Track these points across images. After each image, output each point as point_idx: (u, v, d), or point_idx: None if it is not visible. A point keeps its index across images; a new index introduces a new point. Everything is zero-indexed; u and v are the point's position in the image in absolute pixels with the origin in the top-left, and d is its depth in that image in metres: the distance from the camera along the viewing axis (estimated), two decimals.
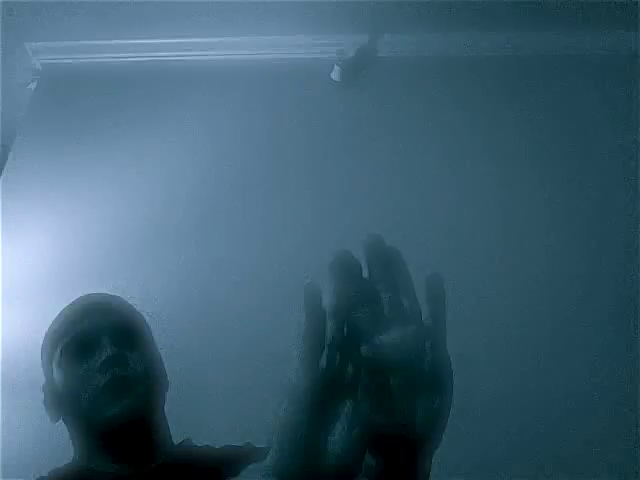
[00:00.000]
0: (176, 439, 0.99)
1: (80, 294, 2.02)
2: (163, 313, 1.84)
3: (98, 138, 2.18)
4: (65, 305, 1.03)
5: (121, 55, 2.30)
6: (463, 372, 1.75)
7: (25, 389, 1.76)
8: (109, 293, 1.04)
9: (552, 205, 1.90)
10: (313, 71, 2.16)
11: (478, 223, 1.89)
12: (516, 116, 2.03)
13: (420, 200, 1.95)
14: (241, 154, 2.08)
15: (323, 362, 0.41)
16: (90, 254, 1.97)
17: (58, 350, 0.92)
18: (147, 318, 1.85)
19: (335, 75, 2.12)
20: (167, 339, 1.79)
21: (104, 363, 0.86)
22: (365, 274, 0.48)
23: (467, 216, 1.91)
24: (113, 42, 2.28)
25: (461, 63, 2.13)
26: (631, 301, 1.74)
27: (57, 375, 0.91)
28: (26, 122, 2.28)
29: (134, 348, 0.91)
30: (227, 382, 1.70)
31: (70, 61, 2.34)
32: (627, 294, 1.76)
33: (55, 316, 1.00)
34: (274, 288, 1.85)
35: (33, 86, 2.35)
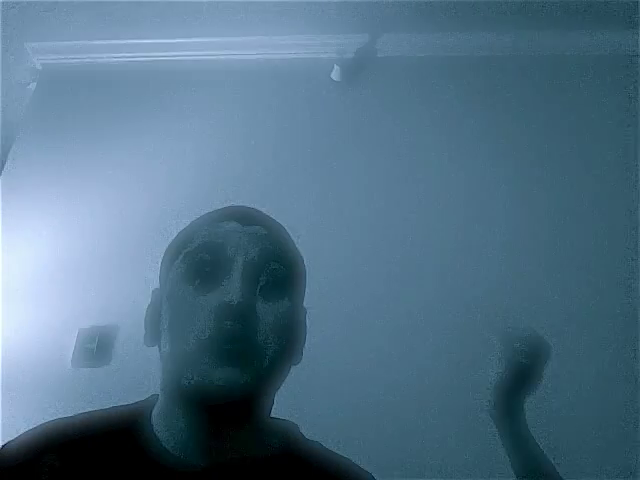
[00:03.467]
0: None
1: (80, 294, 2.03)
2: None
3: (98, 138, 2.18)
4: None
5: (121, 55, 2.30)
6: (463, 372, 1.75)
7: (25, 389, 1.77)
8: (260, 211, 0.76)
9: (552, 204, 1.90)
10: (313, 71, 2.16)
11: (480, 222, 1.89)
12: (516, 116, 2.03)
13: (421, 200, 1.95)
14: (241, 154, 2.08)
15: None
16: (90, 254, 1.97)
17: (182, 254, 0.69)
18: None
19: (335, 75, 2.12)
20: None
21: (224, 310, 0.61)
22: None
23: (468, 215, 1.91)
24: (113, 42, 2.28)
25: (461, 63, 2.13)
26: (632, 301, 1.74)
27: (169, 286, 0.68)
28: (26, 122, 2.28)
29: (274, 297, 0.66)
30: None
31: (70, 61, 2.34)
32: (630, 295, 1.76)
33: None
34: None
35: (33, 86, 2.35)
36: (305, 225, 1.94)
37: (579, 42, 2.08)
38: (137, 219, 1.99)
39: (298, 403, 1.65)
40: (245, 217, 0.70)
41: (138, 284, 1.90)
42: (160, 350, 0.68)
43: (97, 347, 1.81)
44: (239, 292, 0.62)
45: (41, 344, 1.84)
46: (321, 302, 1.82)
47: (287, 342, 0.66)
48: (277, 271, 0.67)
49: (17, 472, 0.64)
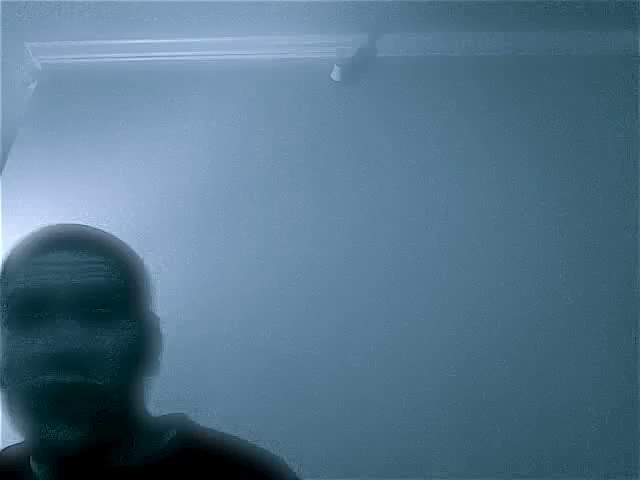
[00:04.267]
0: None
1: None
2: (163, 312, 1.84)
3: (98, 138, 2.18)
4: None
5: (121, 55, 2.30)
6: (463, 373, 1.76)
7: None
8: (87, 226, 0.74)
9: (552, 203, 1.90)
10: (313, 71, 2.16)
11: (478, 223, 1.89)
12: (516, 116, 2.03)
13: (420, 200, 1.95)
14: (241, 154, 2.08)
15: None
16: None
17: (4, 294, 0.64)
18: None
19: (335, 75, 2.12)
20: (166, 338, 1.79)
21: (53, 362, 0.57)
22: None
23: (467, 216, 1.91)
24: (113, 42, 2.28)
25: (461, 63, 2.13)
26: (632, 301, 1.74)
27: None
28: (26, 122, 2.28)
29: (112, 326, 0.62)
30: (227, 382, 1.70)
31: (70, 61, 2.34)
32: (628, 294, 1.76)
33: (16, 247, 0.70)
34: (275, 289, 1.85)
35: (33, 86, 2.35)
36: (304, 225, 1.94)
37: (579, 42, 2.08)
38: (137, 219, 1.99)
39: (298, 403, 1.66)
40: (68, 244, 0.65)
41: None
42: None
43: None
44: (65, 338, 0.58)
45: None
46: (319, 302, 1.82)
47: (134, 365, 0.63)
48: (112, 302, 0.63)
49: None
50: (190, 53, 2.26)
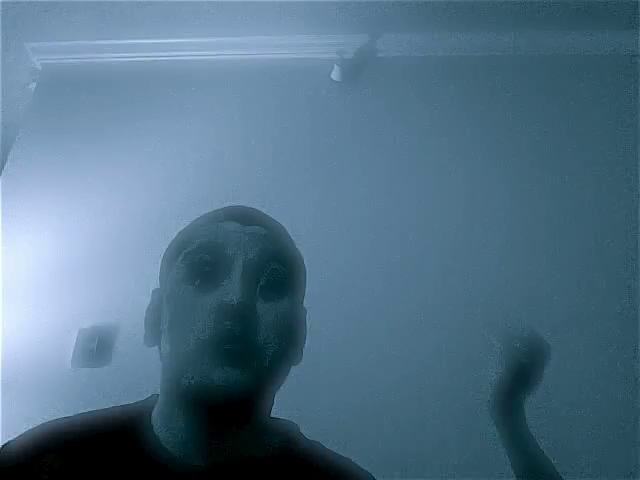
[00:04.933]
0: None
1: (80, 294, 2.03)
2: None
3: (98, 138, 2.18)
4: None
5: (121, 55, 2.30)
6: (463, 372, 1.75)
7: (25, 389, 1.77)
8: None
9: (552, 203, 1.90)
10: (313, 71, 2.16)
11: (479, 221, 1.89)
12: (516, 116, 2.03)
13: (420, 200, 1.95)
14: (241, 154, 2.08)
15: None
16: (90, 254, 1.97)
17: (182, 254, 0.68)
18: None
19: (335, 75, 2.12)
20: None
21: (224, 310, 0.60)
22: None
23: (468, 214, 1.91)
24: (113, 42, 2.28)
25: (461, 63, 2.13)
26: (632, 301, 1.74)
27: (169, 286, 0.67)
28: (26, 122, 2.28)
29: (274, 297, 0.65)
30: None
31: (70, 61, 2.34)
32: (628, 294, 1.76)
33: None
34: None
35: (33, 86, 2.35)
36: (305, 225, 1.94)
37: (579, 42, 2.08)
38: (137, 219, 1.99)
39: (298, 403, 1.65)
40: (245, 217, 0.70)
41: (138, 284, 1.90)
42: (160, 350, 0.67)
43: (97, 347, 1.81)
44: (239, 292, 0.61)
45: (41, 344, 1.84)
46: (321, 302, 1.81)
47: (287, 342, 0.66)
48: (277, 271, 0.66)
49: (17, 472, 0.64)
50: (190, 53, 2.26)
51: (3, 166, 2.19)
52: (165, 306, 0.67)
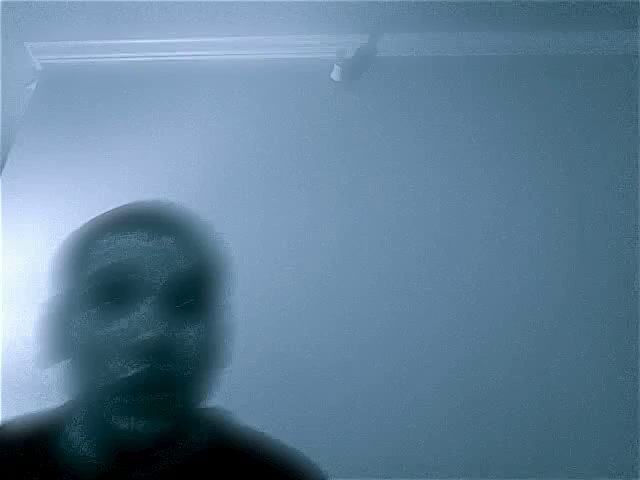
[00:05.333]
0: None
1: None
2: None
3: (98, 138, 2.18)
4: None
5: (121, 55, 2.30)
6: (463, 373, 1.75)
7: (25, 389, 1.77)
8: (167, 205, 0.68)
9: (552, 203, 1.90)
10: (313, 71, 2.16)
11: (478, 221, 1.89)
12: (516, 116, 2.03)
13: (420, 200, 1.95)
14: (241, 154, 2.08)
15: None
16: None
17: (82, 274, 0.61)
18: None
19: (335, 75, 2.12)
20: None
21: (136, 349, 0.54)
22: None
23: (468, 215, 1.91)
24: (113, 42, 2.28)
25: (461, 63, 2.13)
26: (632, 301, 1.74)
27: (71, 308, 0.61)
28: (26, 122, 2.28)
29: (193, 317, 0.60)
30: (228, 383, 1.70)
31: (70, 61, 2.34)
32: (628, 294, 1.76)
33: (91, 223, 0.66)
34: (272, 287, 1.85)
35: (33, 86, 2.35)
36: (303, 224, 1.94)
37: (579, 42, 2.08)
38: None
39: (296, 403, 1.65)
40: (154, 225, 0.62)
41: None
42: (65, 369, 0.62)
43: None
44: (152, 324, 0.55)
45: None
46: (318, 300, 1.82)
47: (210, 359, 0.62)
48: (192, 290, 0.61)
49: None
50: (190, 53, 2.26)
51: (3, 166, 2.19)
52: (69, 328, 0.60)
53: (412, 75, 2.14)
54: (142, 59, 2.28)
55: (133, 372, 0.55)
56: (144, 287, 0.58)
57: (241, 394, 1.68)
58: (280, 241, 1.91)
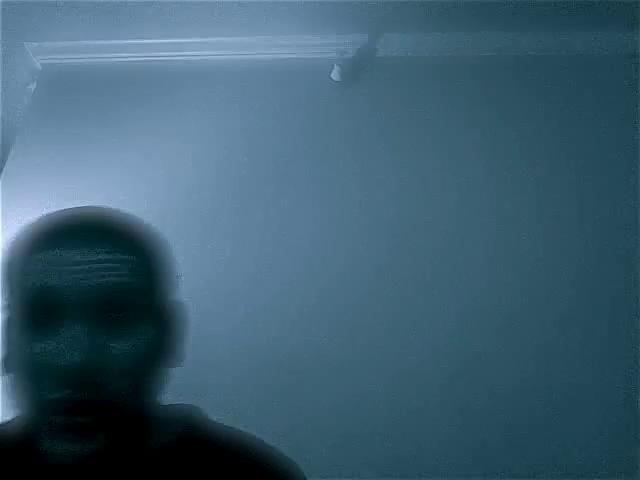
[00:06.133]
0: None
1: None
2: None
3: (98, 138, 2.18)
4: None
5: (121, 55, 2.30)
6: (463, 373, 1.75)
7: None
8: (101, 210, 0.68)
9: (552, 203, 1.90)
10: (313, 71, 2.16)
11: (479, 221, 1.89)
12: (516, 116, 2.03)
13: (420, 200, 1.95)
14: (241, 154, 2.08)
15: None
16: None
17: (15, 291, 0.60)
18: None
19: (335, 75, 2.12)
20: None
21: (61, 376, 0.54)
22: None
23: (468, 214, 1.91)
24: (113, 42, 2.28)
25: (461, 63, 2.13)
26: (632, 300, 1.74)
27: (9, 321, 0.61)
28: (26, 122, 2.28)
29: (127, 330, 0.58)
30: (224, 382, 1.70)
31: (70, 61, 2.34)
32: (628, 294, 1.76)
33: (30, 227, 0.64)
34: (275, 287, 1.85)
35: (33, 86, 2.35)
36: (303, 224, 1.94)
37: (579, 42, 2.08)
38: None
39: (296, 403, 1.65)
40: (71, 238, 0.59)
41: None
42: (8, 381, 0.60)
43: None
44: (76, 348, 0.54)
45: None
46: (319, 301, 1.82)
47: (151, 367, 0.60)
48: (126, 304, 0.59)
49: None
50: (190, 53, 2.26)
51: (3, 166, 2.19)
52: (8, 342, 0.60)
53: (412, 75, 2.14)
54: (142, 59, 2.28)
55: (54, 396, 0.54)
56: (74, 305, 0.56)
57: (239, 397, 1.68)
58: (279, 241, 1.91)
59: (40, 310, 0.57)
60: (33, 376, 0.56)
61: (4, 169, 2.18)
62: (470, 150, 2.00)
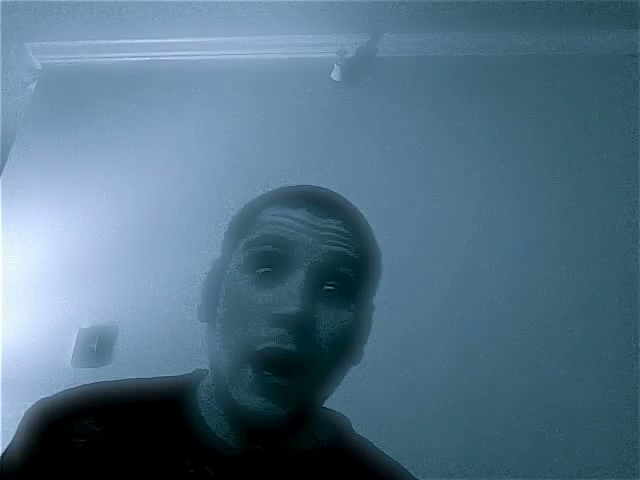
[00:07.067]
0: None
1: (80, 294, 2.03)
2: (162, 312, 1.84)
3: (98, 138, 2.18)
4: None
5: (121, 55, 2.30)
6: (464, 374, 1.75)
7: (25, 389, 1.77)
8: (336, 194, 0.72)
9: (552, 203, 1.90)
10: (313, 71, 2.16)
11: (481, 221, 1.89)
12: (516, 116, 2.03)
13: (420, 200, 1.95)
14: (241, 154, 2.08)
15: None
16: (90, 253, 1.97)
17: (244, 241, 0.62)
18: (145, 318, 1.84)
19: (335, 75, 2.12)
20: (166, 338, 1.79)
21: (280, 320, 0.55)
22: None
23: (470, 214, 1.91)
24: (113, 42, 2.28)
25: (461, 63, 2.13)
26: (632, 301, 1.74)
27: (229, 271, 0.62)
28: (26, 122, 2.28)
29: (338, 304, 0.60)
30: None
31: (70, 61, 2.34)
32: (628, 294, 1.76)
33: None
34: None
35: (33, 86, 2.35)
36: None
37: (579, 42, 2.08)
38: (136, 219, 1.99)
39: None
40: (320, 206, 0.64)
41: (138, 284, 1.90)
42: (211, 330, 0.63)
43: (97, 347, 1.81)
44: (299, 300, 0.55)
45: (41, 344, 1.84)
46: None
47: (345, 352, 0.62)
48: (345, 276, 0.60)
49: (53, 431, 0.62)
50: (190, 53, 2.26)
51: (3, 166, 2.19)
52: (223, 290, 0.62)
53: (412, 75, 2.14)
54: (142, 59, 2.28)
55: (264, 346, 0.56)
56: (299, 262, 0.58)
57: None
58: None
59: (269, 258, 0.59)
60: (247, 322, 0.57)
61: (4, 169, 2.18)
62: (470, 149, 2.00)
